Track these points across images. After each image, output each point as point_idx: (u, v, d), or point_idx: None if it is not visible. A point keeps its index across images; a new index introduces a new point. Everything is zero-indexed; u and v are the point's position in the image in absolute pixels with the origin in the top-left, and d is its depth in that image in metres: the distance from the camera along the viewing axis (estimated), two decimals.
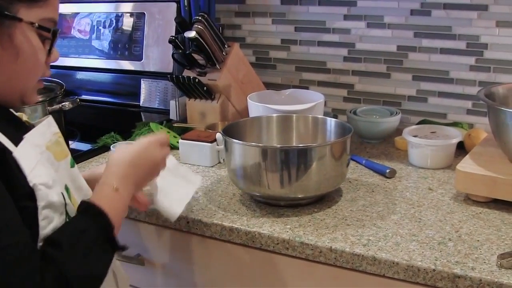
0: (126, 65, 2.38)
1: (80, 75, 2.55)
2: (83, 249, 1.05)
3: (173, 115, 2.18)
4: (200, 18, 1.92)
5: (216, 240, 1.47)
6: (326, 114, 1.91)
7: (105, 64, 2.45)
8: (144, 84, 2.36)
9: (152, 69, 2.30)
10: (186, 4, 2.12)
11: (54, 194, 1.08)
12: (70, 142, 2.10)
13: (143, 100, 2.37)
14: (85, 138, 2.13)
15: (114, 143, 1.91)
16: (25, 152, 1.07)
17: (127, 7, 2.39)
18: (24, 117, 1.28)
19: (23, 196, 1.03)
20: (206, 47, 1.92)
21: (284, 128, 1.67)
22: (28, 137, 1.11)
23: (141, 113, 2.36)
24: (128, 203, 1.23)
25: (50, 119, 1.23)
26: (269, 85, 2.18)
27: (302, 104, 1.79)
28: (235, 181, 1.54)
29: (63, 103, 1.99)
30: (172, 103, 2.17)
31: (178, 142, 1.84)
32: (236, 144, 1.48)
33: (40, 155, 1.12)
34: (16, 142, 1.08)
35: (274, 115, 1.69)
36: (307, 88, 2.15)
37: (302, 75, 2.18)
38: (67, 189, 1.15)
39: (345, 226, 1.39)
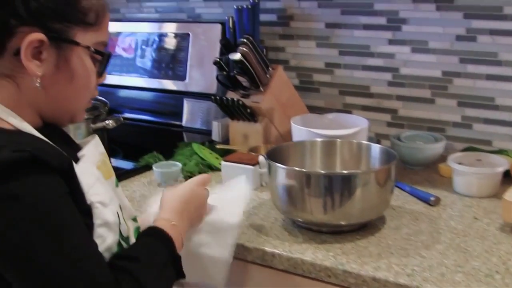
0: (170, 84, 2.40)
1: (124, 93, 2.58)
2: (156, 268, 1.10)
3: (215, 136, 2.18)
4: (245, 40, 1.93)
5: (257, 265, 1.46)
6: (369, 139, 1.90)
7: (149, 83, 2.48)
8: (187, 104, 2.37)
9: (195, 90, 2.32)
10: (231, 25, 2.13)
11: (110, 213, 1.09)
12: (112, 160, 2.12)
13: (185, 120, 2.39)
14: (128, 157, 2.14)
15: (156, 162, 1.93)
16: (84, 169, 1.09)
17: (172, 27, 2.42)
18: (70, 134, 1.31)
19: (82, 212, 1.04)
20: (251, 69, 1.93)
21: (328, 153, 1.66)
22: (81, 155, 1.14)
23: (183, 133, 2.37)
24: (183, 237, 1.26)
25: (97, 139, 1.25)
26: (312, 109, 2.18)
27: (345, 128, 1.78)
28: (277, 205, 1.54)
29: (106, 121, 2.02)
30: (215, 124, 2.17)
31: (220, 164, 1.84)
32: (279, 168, 1.48)
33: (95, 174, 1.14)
34: (73, 160, 1.10)
35: (318, 139, 1.69)
36: (350, 112, 2.14)
37: (346, 99, 2.17)
38: (121, 208, 1.17)
39: (388, 255, 1.37)
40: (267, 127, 2.00)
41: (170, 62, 2.39)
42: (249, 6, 2.13)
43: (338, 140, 1.67)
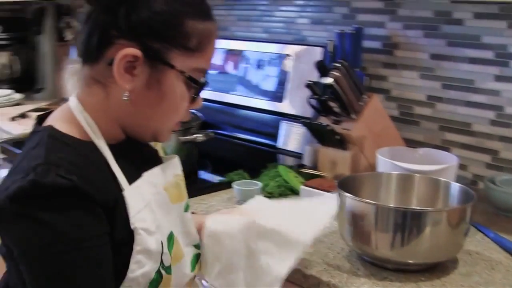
0: (268, 105, 2.40)
1: (223, 109, 2.61)
2: None
3: (307, 160, 2.14)
4: (339, 65, 1.88)
5: None
6: (461, 179, 1.79)
7: (247, 101, 2.49)
8: (284, 126, 2.35)
9: (292, 112, 2.29)
10: (330, 50, 2.10)
11: (153, 241, 1.08)
12: (201, 172, 2.14)
13: (281, 142, 2.37)
14: (217, 171, 2.15)
15: (239, 180, 1.92)
16: (137, 192, 1.09)
17: (275, 48, 2.42)
18: (158, 146, 1.30)
19: (121, 240, 1.05)
20: (342, 95, 1.88)
21: (404, 188, 1.58)
22: (147, 175, 1.13)
23: (278, 154, 2.35)
24: None
25: (176, 160, 1.25)
26: (410, 142, 2.09)
27: (434, 165, 1.69)
28: (343, 236, 1.48)
29: (196, 135, 2.03)
30: (307, 148, 2.13)
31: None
32: (347, 198, 1.42)
33: (154, 196, 1.13)
34: (134, 179, 1.10)
35: (394, 173, 1.61)
36: (448, 149, 2.03)
37: (445, 135, 2.07)
38: (170, 237, 1.14)
39: None
40: (356, 155, 1.93)
41: (270, 83, 2.39)
42: (353, 31, 2.09)
43: (417, 175, 1.58)
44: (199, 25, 1.08)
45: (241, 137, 2.53)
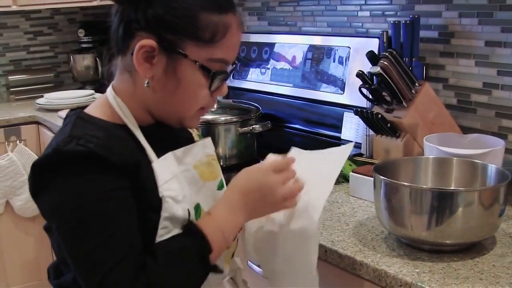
0: (329, 96, 2.45)
1: (286, 102, 2.69)
2: (177, 264, 1.13)
3: (364, 149, 2.19)
4: (387, 54, 1.92)
5: (348, 273, 1.46)
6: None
7: (308, 94, 2.56)
8: (347, 117, 2.40)
9: (353, 103, 2.33)
10: (384, 40, 2.13)
11: (180, 209, 1.18)
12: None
13: (344, 133, 2.42)
14: None
15: None
16: (164, 165, 1.20)
17: (335, 41, 2.47)
18: (195, 133, 1.41)
19: (151, 207, 1.15)
20: (391, 83, 1.91)
21: (441, 171, 1.60)
22: (174, 153, 1.24)
23: (341, 145, 2.39)
24: (236, 230, 1.26)
25: (207, 141, 1.34)
26: (467, 130, 2.09)
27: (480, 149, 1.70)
28: (380, 219, 1.52)
29: (253, 126, 2.12)
30: (364, 138, 2.18)
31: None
32: (382, 181, 1.47)
33: (182, 172, 1.23)
34: (162, 155, 1.21)
35: (431, 156, 1.64)
36: (504, 136, 2.02)
37: (502, 121, 2.05)
38: (197, 207, 1.24)
39: (476, 280, 1.30)
40: (409, 143, 1.96)
41: (330, 75, 2.44)
42: (408, 21, 2.12)
43: (454, 158, 1.60)
44: (213, 18, 1.17)
45: (305, 129, 2.59)
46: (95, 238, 1.08)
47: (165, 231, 1.17)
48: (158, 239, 1.16)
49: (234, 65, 1.28)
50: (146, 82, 1.18)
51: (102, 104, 1.24)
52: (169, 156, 1.23)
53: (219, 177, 1.34)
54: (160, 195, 1.17)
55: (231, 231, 1.23)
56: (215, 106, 2.22)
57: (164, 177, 1.18)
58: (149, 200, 1.16)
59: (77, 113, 1.22)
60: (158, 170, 1.18)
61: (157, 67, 1.17)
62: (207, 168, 1.30)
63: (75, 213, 1.09)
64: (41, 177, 1.12)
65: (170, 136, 1.29)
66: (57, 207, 1.11)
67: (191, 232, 1.17)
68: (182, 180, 1.23)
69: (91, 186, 1.10)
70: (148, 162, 1.19)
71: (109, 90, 1.25)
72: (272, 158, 1.35)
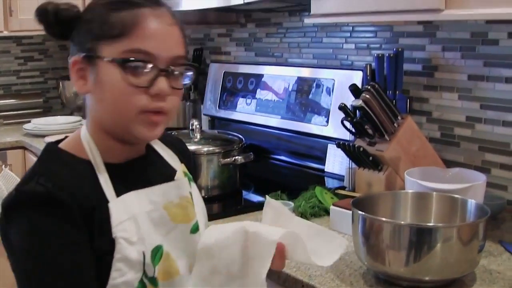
0: (313, 128, 2.44)
1: (270, 133, 2.70)
2: None
3: (346, 182, 2.17)
4: (369, 87, 1.92)
5: None
6: (497, 199, 1.80)
7: (293, 125, 2.56)
8: (330, 150, 2.39)
9: (336, 136, 2.32)
10: (368, 73, 2.13)
11: (134, 251, 1.15)
12: (244, 193, 2.22)
13: (329, 165, 2.41)
14: (260, 192, 2.24)
15: (276, 199, 1.96)
16: (121, 205, 1.17)
17: (320, 73, 2.47)
18: (182, 168, 1.35)
19: (104, 249, 1.13)
20: (373, 116, 1.91)
21: (421, 206, 1.59)
22: (138, 192, 1.20)
23: (325, 177, 2.39)
24: None
25: (182, 183, 1.30)
26: (451, 163, 2.08)
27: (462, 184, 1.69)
28: (358, 254, 1.50)
29: (236, 157, 2.11)
30: (346, 171, 2.17)
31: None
32: (360, 215, 1.45)
33: (148, 212, 1.20)
34: (126, 192, 1.19)
35: (410, 191, 1.62)
36: (487, 170, 2.02)
37: (485, 155, 2.05)
38: (157, 249, 1.19)
39: None
40: (391, 177, 1.95)
41: (315, 107, 2.44)
42: (391, 55, 2.12)
43: (434, 193, 1.59)
44: (122, 14, 1.15)
45: (290, 161, 2.59)
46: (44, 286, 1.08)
47: (119, 274, 1.14)
48: (112, 281, 1.13)
49: (183, 63, 1.21)
50: (84, 98, 1.21)
51: (75, 137, 1.23)
52: (130, 195, 1.19)
53: (193, 220, 1.28)
54: (113, 235, 1.14)
55: None
56: (198, 136, 2.20)
57: (119, 218, 1.15)
58: (103, 241, 1.13)
59: (47, 146, 1.21)
60: (114, 210, 1.15)
61: (90, 80, 1.17)
62: (179, 210, 1.25)
63: (29, 257, 1.08)
64: (5, 217, 1.11)
65: (146, 173, 1.26)
66: (15, 247, 1.10)
67: None
68: (144, 221, 1.19)
69: (49, 233, 1.08)
70: (105, 201, 1.16)
71: (84, 122, 1.25)
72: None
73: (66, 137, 1.26)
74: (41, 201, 1.08)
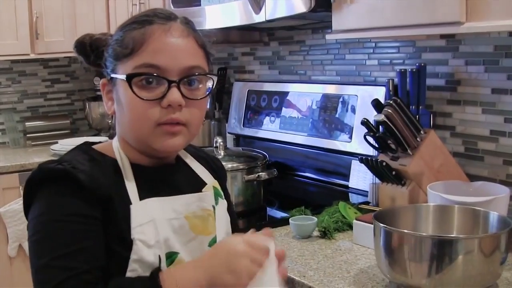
0: (337, 145, 2.45)
1: (295, 150, 2.71)
2: None
3: (370, 198, 2.17)
4: (391, 102, 1.92)
5: None
6: None
7: (316, 142, 2.56)
8: (354, 166, 2.39)
9: (360, 151, 2.32)
10: (390, 88, 2.14)
11: (151, 254, 1.17)
12: (268, 209, 2.23)
13: (353, 181, 2.41)
14: (284, 208, 2.25)
15: (300, 215, 1.97)
16: (143, 208, 1.20)
17: (342, 89, 2.48)
18: (213, 183, 1.37)
19: (120, 243, 1.16)
20: (396, 131, 1.91)
21: (443, 219, 1.58)
22: (161, 199, 1.23)
23: (349, 193, 2.39)
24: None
25: (205, 195, 1.31)
26: (474, 178, 2.07)
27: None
28: (380, 266, 1.50)
29: (259, 173, 2.12)
30: (370, 186, 2.16)
31: None
32: (382, 228, 1.45)
33: (170, 219, 1.22)
34: (149, 194, 1.22)
35: (432, 204, 1.62)
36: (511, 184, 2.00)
37: (510, 169, 2.03)
38: (171, 255, 1.21)
39: None
40: (414, 191, 1.94)
41: (339, 123, 2.44)
42: (414, 70, 2.12)
43: (455, 206, 1.58)
44: (133, 33, 1.21)
45: (314, 177, 2.60)
46: (54, 252, 1.11)
47: (134, 274, 1.16)
48: None
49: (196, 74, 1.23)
50: (111, 118, 1.28)
51: (109, 142, 1.30)
52: (153, 201, 1.22)
53: (212, 233, 1.30)
54: (132, 237, 1.17)
55: (186, 285, 1.12)
56: (222, 153, 2.22)
57: (139, 220, 1.18)
58: (120, 236, 1.17)
59: (81, 144, 1.28)
60: (134, 212, 1.19)
61: (114, 101, 1.24)
62: (200, 222, 1.27)
63: (44, 227, 1.13)
64: (27, 192, 1.19)
65: (173, 180, 1.30)
66: (32, 219, 1.17)
67: (146, 281, 1.13)
68: (164, 227, 1.21)
69: (65, 205, 1.14)
70: (127, 201, 1.20)
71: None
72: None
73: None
74: (58, 177, 1.15)
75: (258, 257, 1.11)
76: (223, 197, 1.39)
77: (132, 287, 1.13)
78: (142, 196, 1.21)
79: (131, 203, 1.19)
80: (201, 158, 1.42)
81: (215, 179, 1.39)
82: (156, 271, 1.15)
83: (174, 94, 1.19)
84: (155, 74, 1.19)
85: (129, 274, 1.16)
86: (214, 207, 1.32)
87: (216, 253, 1.15)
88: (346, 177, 2.43)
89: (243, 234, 1.17)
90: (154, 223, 1.19)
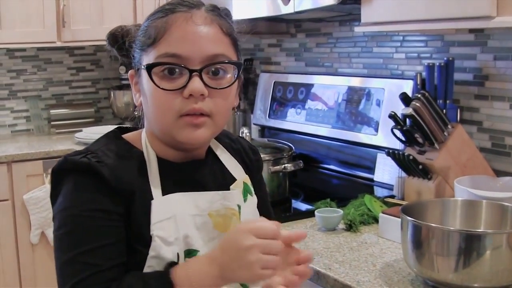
0: (363, 137, 2.45)
1: (318, 142, 2.72)
2: None
3: (395, 191, 2.17)
4: (419, 96, 1.92)
5: None
6: None
7: (342, 135, 2.56)
8: (379, 159, 2.39)
9: (385, 145, 2.32)
10: (418, 82, 2.13)
11: (169, 251, 1.16)
12: (293, 201, 2.24)
13: (377, 174, 2.41)
14: (309, 200, 2.26)
15: (325, 208, 1.98)
16: (164, 204, 1.19)
17: (370, 83, 2.48)
18: (243, 179, 1.35)
19: (139, 239, 1.16)
20: (423, 125, 1.91)
21: (470, 213, 1.58)
22: (185, 195, 1.22)
23: (374, 186, 2.39)
24: (207, 282, 1.12)
25: (229, 194, 1.28)
26: (501, 173, 2.06)
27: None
28: (406, 260, 1.51)
29: (285, 165, 2.13)
30: (396, 179, 2.17)
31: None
32: (410, 222, 1.46)
33: (193, 215, 1.21)
34: (173, 190, 1.22)
35: (459, 199, 1.62)
36: None
37: None
38: (190, 252, 1.19)
39: None
40: (441, 186, 1.94)
41: (365, 116, 2.44)
42: (442, 64, 2.12)
43: (483, 201, 1.58)
44: (156, 22, 1.20)
45: (339, 170, 2.61)
46: (78, 247, 1.11)
47: (151, 270, 1.16)
48: None
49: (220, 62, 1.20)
50: (138, 109, 1.26)
51: (139, 131, 1.28)
52: (176, 196, 1.20)
53: None
54: (151, 233, 1.15)
55: (200, 281, 1.10)
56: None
57: (159, 216, 1.17)
58: (139, 232, 1.16)
59: (110, 131, 1.28)
60: (155, 208, 1.17)
61: (141, 92, 1.24)
62: (223, 220, 1.25)
63: (70, 222, 1.14)
64: (54, 182, 1.19)
65: (199, 176, 1.27)
66: (57, 212, 1.16)
67: (160, 276, 1.12)
68: (187, 223, 1.19)
69: (89, 201, 1.13)
70: (149, 196, 1.19)
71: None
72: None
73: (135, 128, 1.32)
74: (82, 169, 1.15)
75: (268, 245, 1.07)
76: (253, 193, 1.36)
77: (144, 282, 1.11)
78: (165, 192, 1.19)
79: (152, 199, 1.18)
80: (234, 151, 1.38)
81: (247, 173, 1.37)
82: (169, 266, 1.15)
83: (195, 83, 1.15)
84: (174, 63, 1.16)
85: (146, 270, 1.15)
86: (239, 206, 1.30)
87: (226, 249, 1.10)
88: (371, 170, 2.43)
89: (249, 222, 1.15)
90: (175, 220, 1.18)
